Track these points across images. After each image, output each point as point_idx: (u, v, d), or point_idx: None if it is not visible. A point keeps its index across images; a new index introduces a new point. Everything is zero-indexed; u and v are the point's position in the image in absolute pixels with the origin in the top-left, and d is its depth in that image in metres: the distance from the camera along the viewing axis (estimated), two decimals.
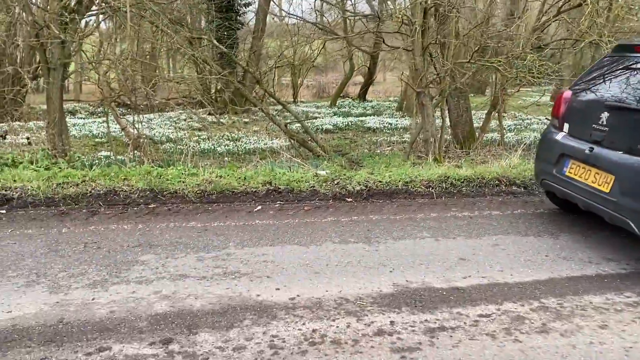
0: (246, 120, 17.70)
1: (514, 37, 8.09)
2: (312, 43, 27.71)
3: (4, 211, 4.87)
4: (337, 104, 23.71)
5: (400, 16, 7.98)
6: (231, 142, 12.69)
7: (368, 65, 26.89)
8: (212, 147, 11.76)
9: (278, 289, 3.50)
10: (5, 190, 5.10)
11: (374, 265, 3.92)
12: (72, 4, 6.92)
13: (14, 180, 5.39)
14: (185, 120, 17.42)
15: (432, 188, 5.72)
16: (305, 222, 4.80)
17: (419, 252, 4.17)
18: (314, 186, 5.59)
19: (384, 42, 10.52)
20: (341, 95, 26.45)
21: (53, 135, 7.46)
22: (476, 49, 8.06)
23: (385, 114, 19.19)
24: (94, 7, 7.55)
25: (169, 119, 17.23)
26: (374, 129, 14.93)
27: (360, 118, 17.85)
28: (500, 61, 8.01)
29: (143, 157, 8.37)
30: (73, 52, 7.43)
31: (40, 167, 6.48)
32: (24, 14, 6.92)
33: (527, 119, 16.09)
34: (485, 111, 11.44)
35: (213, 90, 18.84)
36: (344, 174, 6.00)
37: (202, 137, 13.60)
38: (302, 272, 3.78)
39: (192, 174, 5.81)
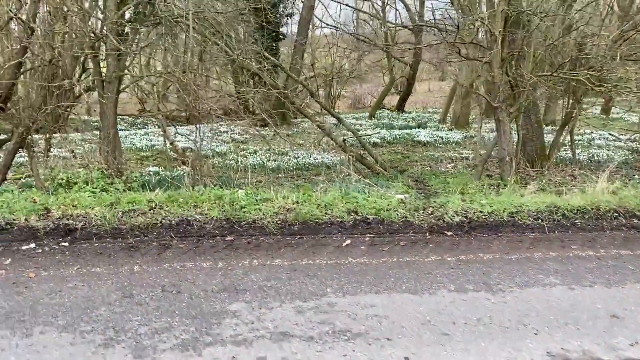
0: (288, 132, 17.17)
1: (603, 47, 7.34)
2: (349, 54, 27.31)
3: (66, 244, 4.36)
4: (376, 116, 23.09)
5: (475, 25, 7.31)
6: (279, 157, 12.16)
7: (407, 76, 26.26)
8: (261, 162, 11.22)
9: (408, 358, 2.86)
10: (67, 219, 4.59)
11: (510, 324, 3.24)
12: (132, 13, 6.47)
13: (74, 206, 4.89)
14: (227, 132, 17.02)
15: (542, 220, 5.02)
16: (406, 262, 4.15)
17: (557, 306, 3.48)
18: (405, 216, 4.95)
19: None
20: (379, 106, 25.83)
21: (107, 152, 7.00)
22: (567, 60, 7.31)
23: (431, 127, 18.45)
24: (151, 17, 7.09)
25: (211, 131, 16.85)
26: (424, 143, 14.22)
27: (406, 131, 17.17)
28: (592, 74, 7.25)
29: (198, 174, 7.86)
30: (130, 64, 6.96)
31: (96, 188, 6.00)
32: (81, 24, 6.49)
33: (587, 133, 15.15)
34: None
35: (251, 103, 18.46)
36: (435, 202, 5.34)
37: (248, 152, 13.12)
38: (427, 332, 3.13)
39: (265, 199, 5.23)
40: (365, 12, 26.46)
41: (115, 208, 4.74)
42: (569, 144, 10.16)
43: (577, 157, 10.14)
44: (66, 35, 6.73)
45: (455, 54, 7.81)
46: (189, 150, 12.77)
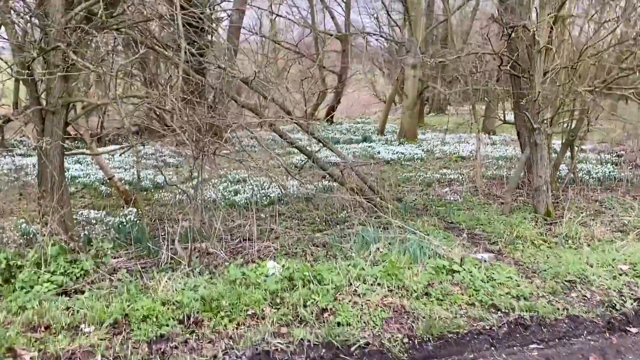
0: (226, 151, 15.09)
1: None
2: (275, 62, 25.69)
3: None
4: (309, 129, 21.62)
5: (519, 31, 6.11)
6: (234, 185, 10.26)
7: (336, 86, 25.17)
8: (223, 196, 9.27)
9: None
10: None
11: None
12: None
13: (49, 334, 2.88)
14: (154, 154, 14.68)
15: None
16: None
17: None
18: (567, 308, 3.49)
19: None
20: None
21: (50, 208, 4.87)
22: (617, 72, 6.34)
23: (377, 140, 17.33)
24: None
25: (130, 156, 14.42)
26: (387, 161, 12.98)
27: (352, 145, 15.91)
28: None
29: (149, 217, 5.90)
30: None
31: (55, 272, 3.96)
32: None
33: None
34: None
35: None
36: (550, 268, 3.96)
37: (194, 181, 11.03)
38: None
39: (336, 287, 3.53)
40: (288, 18, 24.98)
41: (127, 333, 2.80)
42: (569, 161, 9.38)
43: (577, 176, 9.37)
44: None
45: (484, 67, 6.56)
46: (122, 181, 10.49)
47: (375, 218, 7.18)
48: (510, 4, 7.72)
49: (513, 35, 6.09)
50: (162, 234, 6.50)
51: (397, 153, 13.61)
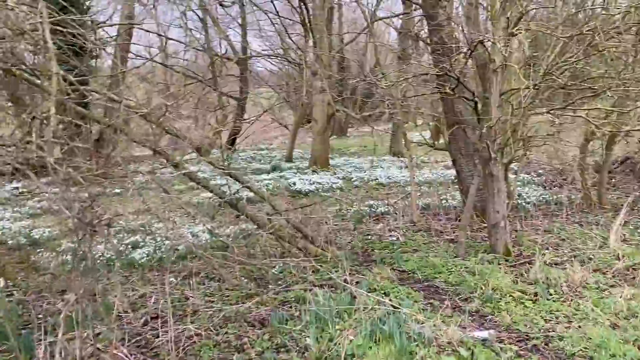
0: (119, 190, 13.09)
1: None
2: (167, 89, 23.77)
3: None
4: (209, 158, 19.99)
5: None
6: (132, 236, 8.54)
7: (237, 112, 23.73)
8: (118, 250, 7.52)
9: None
10: None
11: None
12: None
13: None
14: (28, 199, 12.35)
15: None
16: None
17: None
18: None
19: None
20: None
21: None
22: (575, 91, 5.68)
23: (289, 169, 16.20)
24: None
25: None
26: (305, 193, 11.86)
27: (263, 176, 14.62)
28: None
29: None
30: None
31: None
32: None
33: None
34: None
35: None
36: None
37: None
38: None
39: None
40: (179, 42, 23.24)
41: None
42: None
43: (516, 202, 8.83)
44: None
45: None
46: None
47: (313, 272, 5.97)
48: (441, 22, 7.01)
49: (473, 52, 5.24)
50: (40, 318, 4.83)
51: (313, 183, 12.52)
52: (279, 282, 5.76)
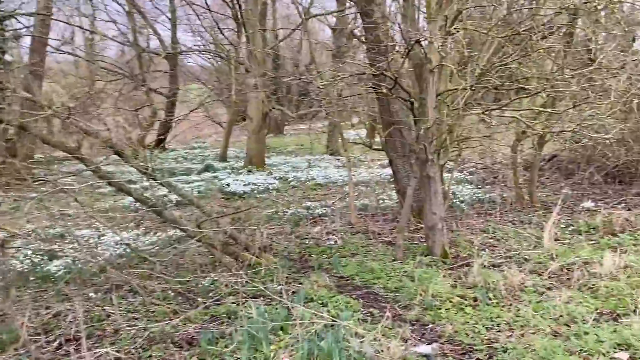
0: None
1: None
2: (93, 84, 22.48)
3: None
4: (137, 158, 19.02)
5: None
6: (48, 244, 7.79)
7: (165, 109, 22.77)
8: (35, 263, 6.82)
9: None
10: None
11: None
12: None
13: None
14: None
15: None
16: None
17: None
18: None
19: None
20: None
21: None
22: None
23: (222, 169, 15.66)
24: None
25: None
26: (240, 194, 11.43)
27: (194, 177, 14.03)
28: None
29: None
30: None
31: None
32: None
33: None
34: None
35: None
36: None
37: None
38: None
39: None
40: (105, 36, 21.99)
41: None
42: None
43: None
44: None
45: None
46: None
47: (247, 282, 5.62)
48: (376, 19, 6.85)
49: (411, 51, 5.07)
50: None
51: (248, 184, 12.11)
52: (210, 295, 5.38)
